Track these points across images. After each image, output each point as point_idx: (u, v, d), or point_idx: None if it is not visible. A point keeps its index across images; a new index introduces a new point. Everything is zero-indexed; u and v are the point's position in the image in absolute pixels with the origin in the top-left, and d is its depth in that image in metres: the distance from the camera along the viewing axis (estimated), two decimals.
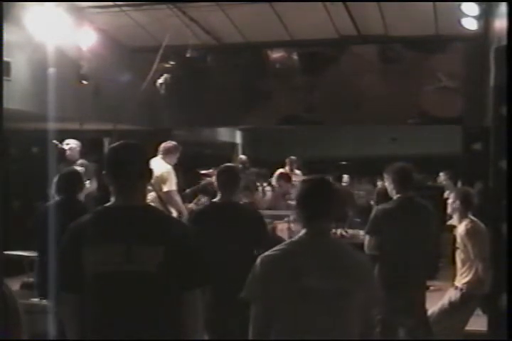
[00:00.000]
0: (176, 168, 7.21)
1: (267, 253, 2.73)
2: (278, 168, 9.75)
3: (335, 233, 7.64)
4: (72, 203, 4.97)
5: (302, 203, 2.75)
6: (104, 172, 2.65)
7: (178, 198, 6.99)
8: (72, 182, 5.18)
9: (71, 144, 7.72)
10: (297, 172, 10.31)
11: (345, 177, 12.19)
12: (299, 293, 2.60)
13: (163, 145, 7.27)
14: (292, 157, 10.30)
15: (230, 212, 4.39)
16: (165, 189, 6.92)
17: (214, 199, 4.58)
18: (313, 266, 2.62)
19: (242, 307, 3.40)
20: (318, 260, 2.64)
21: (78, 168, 6.21)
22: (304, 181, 2.87)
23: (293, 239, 2.78)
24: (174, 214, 6.77)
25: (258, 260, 2.71)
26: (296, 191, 2.80)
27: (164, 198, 6.93)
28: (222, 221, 4.31)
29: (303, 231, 2.73)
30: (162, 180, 6.91)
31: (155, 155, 7.10)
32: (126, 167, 2.60)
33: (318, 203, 2.72)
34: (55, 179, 5.20)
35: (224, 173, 4.51)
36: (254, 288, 2.68)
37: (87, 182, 7.32)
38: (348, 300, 2.63)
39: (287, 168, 10.06)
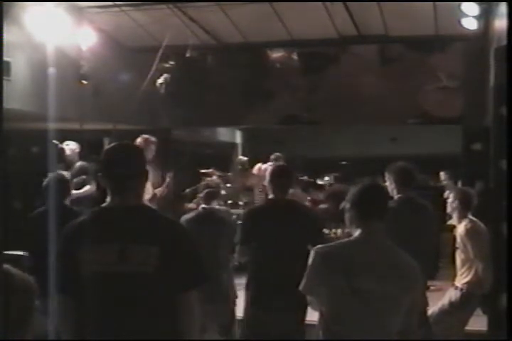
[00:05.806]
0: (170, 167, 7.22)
1: (321, 246, 2.87)
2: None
3: (335, 233, 7.63)
4: (61, 209, 4.86)
5: (359, 205, 2.91)
6: (99, 173, 2.67)
7: None
8: (59, 188, 5.06)
9: (71, 146, 7.71)
10: None
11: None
12: (350, 291, 2.70)
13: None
14: (277, 153, 9.97)
15: (288, 210, 4.52)
16: None
17: (269, 197, 4.69)
18: (367, 266, 2.75)
19: (298, 302, 3.47)
20: (373, 260, 2.77)
21: (64, 173, 5.98)
22: (359, 185, 3.06)
23: (350, 239, 2.91)
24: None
25: (312, 253, 2.83)
26: (351, 194, 2.97)
27: None
28: (279, 218, 4.43)
29: (358, 232, 2.88)
30: None
31: None
32: (122, 168, 2.61)
33: (374, 205, 2.94)
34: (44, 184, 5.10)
35: (279, 172, 4.63)
36: (309, 281, 2.81)
37: (87, 186, 7.38)
38: (396, 300, 2.74)
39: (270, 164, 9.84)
